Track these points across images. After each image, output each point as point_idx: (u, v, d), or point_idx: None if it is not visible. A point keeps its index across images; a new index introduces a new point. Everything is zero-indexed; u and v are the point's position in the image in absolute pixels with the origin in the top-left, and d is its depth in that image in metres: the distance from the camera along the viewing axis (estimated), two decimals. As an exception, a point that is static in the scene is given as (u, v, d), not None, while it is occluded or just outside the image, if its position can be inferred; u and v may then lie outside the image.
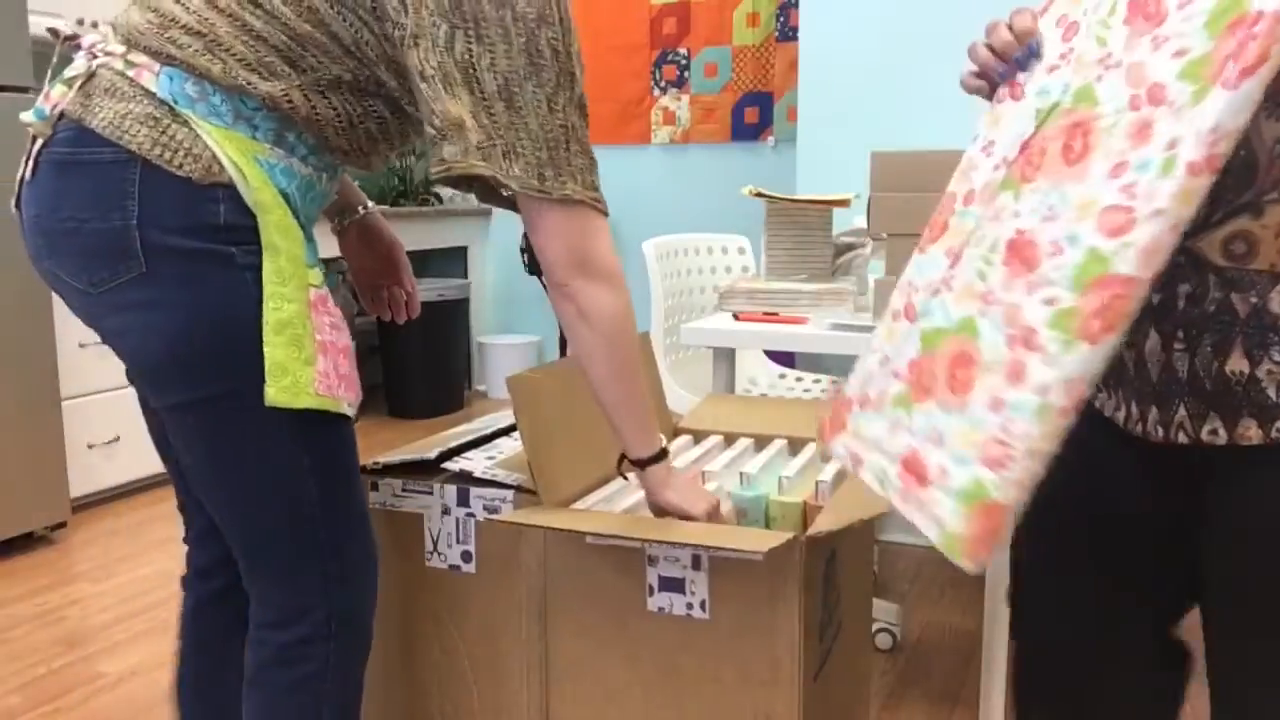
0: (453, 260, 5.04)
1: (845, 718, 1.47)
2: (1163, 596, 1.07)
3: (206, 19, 1.05)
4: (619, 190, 4.75)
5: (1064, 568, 1.11)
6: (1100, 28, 0.91)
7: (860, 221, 2.52)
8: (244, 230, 1.06)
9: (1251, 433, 0.93)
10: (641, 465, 1.22)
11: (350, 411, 1.15)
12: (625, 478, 1.36)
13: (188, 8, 1.06)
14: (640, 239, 4.70)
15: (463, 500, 1.32)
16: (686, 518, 1.22)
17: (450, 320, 4.73)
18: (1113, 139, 0.84)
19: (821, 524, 1.14)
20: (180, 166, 1.03)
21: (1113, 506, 1.08)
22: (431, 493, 1.33)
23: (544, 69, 1.07)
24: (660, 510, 1.24)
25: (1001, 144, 0.98)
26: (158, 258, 1.04)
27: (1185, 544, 1.03)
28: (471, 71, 1.05)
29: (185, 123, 1.04)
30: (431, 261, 5.09)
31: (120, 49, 1.07)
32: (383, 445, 4.17)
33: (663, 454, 1.23)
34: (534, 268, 5.24)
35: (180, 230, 1.04)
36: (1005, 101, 1.01)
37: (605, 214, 1.14)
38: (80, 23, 3.54)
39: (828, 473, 1.38)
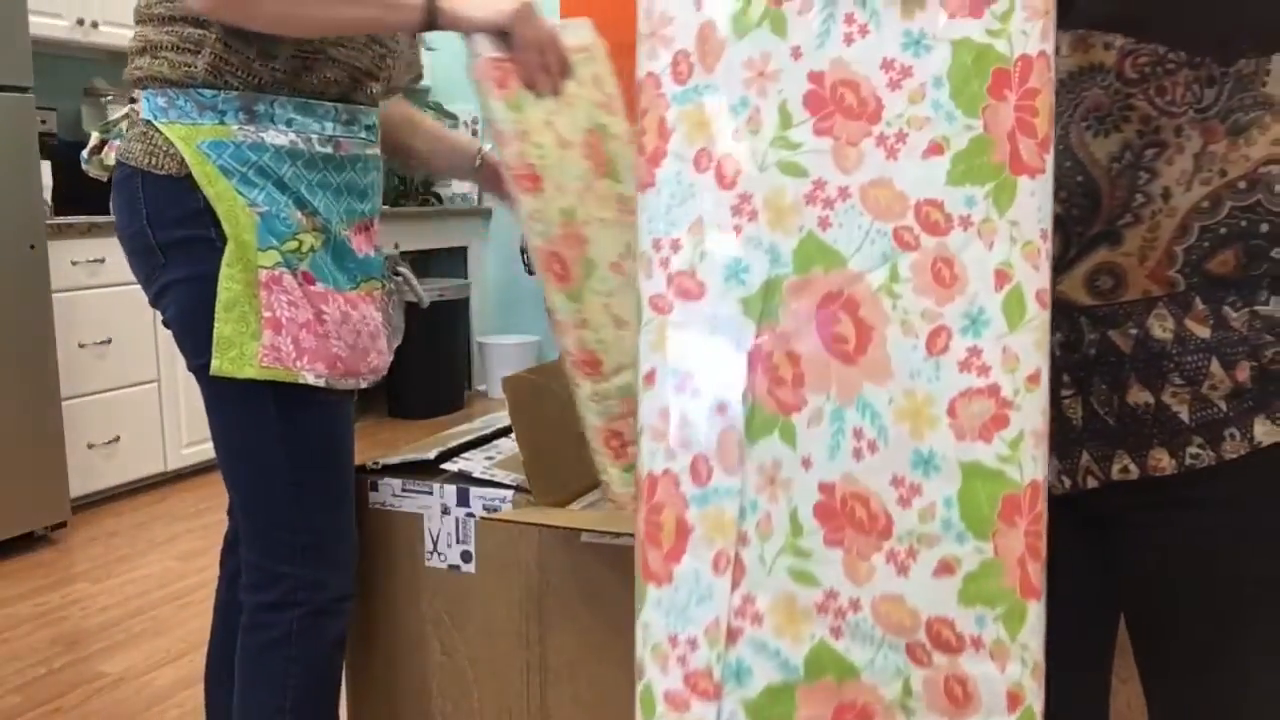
0: (453, 260, 5.04)
1: (844, 717, 1.47)
2: (1097, 629, 1.02)
3: (141, 34, 1.22)
4: (619, 190, 4.75)
5: None
6: (781, 148, 0.62)
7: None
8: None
9: (1164, 463, 0.85)
10: (427, 24, 1.16)
11: (316, 381, 1.21)
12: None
13: (132, 35, 1.24)
14: (640, 239, 4.70)
15: (462, 500, 1.32)
16: (499, 29, 1.16)
17: (450, 320, 4.73)
18: (901, 300, 0.61)
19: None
20: (163, 168, 1.19)
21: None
22: (431, 493, 1.34)
23: None
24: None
25: (705, 385, 0.64)
26: (167, 249, 1.21)
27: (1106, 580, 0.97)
28: None
29: (162, 130, 1.20)
30: (431, 261, 5.09)
31: (133, 94, 1.27)
32: (383, 445, 4.18)
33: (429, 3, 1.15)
34: (534, 268, 5.23)
35: (176, 221, 1.20)
36: (671, 317, 0.65)
37: None
38: (80, 23, 3.54)
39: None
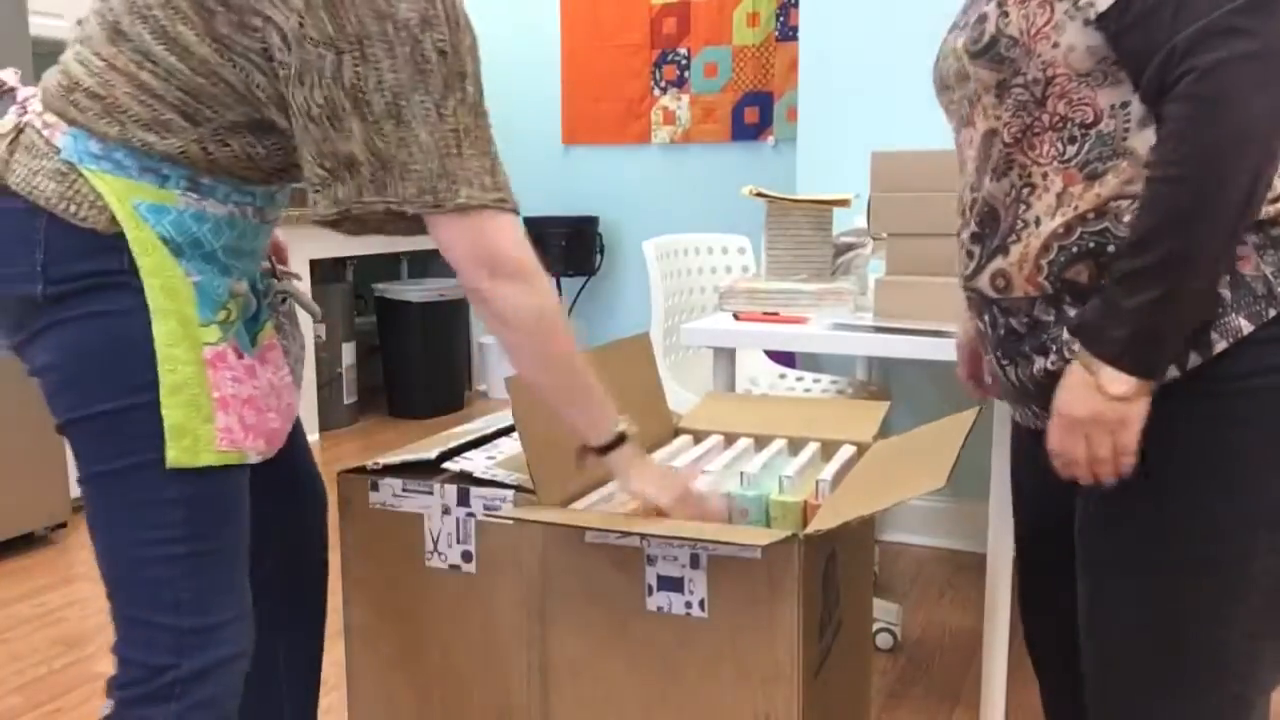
0: (453, 260, 5.04)
1: (845, 717, 1.47)
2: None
3: (106, 80, 1.07)
4: (619, 190, 4.75)
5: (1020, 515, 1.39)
6: None
7: (860, 221, 2.52)
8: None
9: None
10: (601, 452, 1.22)
11: (257, 459, 1.16)
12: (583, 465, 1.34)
13: (90, 69, 1.08)
14: (640, 239, 4.70)
15: (463, 500, 1.32)
16: (658, 509, 1.22)
17: (450, 320, 4.73)
18: None
19: (819, 522, 1.14)
20: (85, 219, 1.06)
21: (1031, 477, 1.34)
22: (431, 493, 1.33)
23: (430, 75, 1.04)
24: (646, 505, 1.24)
25: None
26: (60, 300, 1.07)
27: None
28: (361, 95, 1.03)
29: (88, 178, 1.07)
30: (432, 261, 5.09)
31: (39, 108, 1.11)
32: (383, 445, 4.17)
33: (620, 439, 1.22)
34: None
35: (83, 276, 1.07)
36: None
37: (512, 211, 1.11)
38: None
39: (828, 472, 1.38)
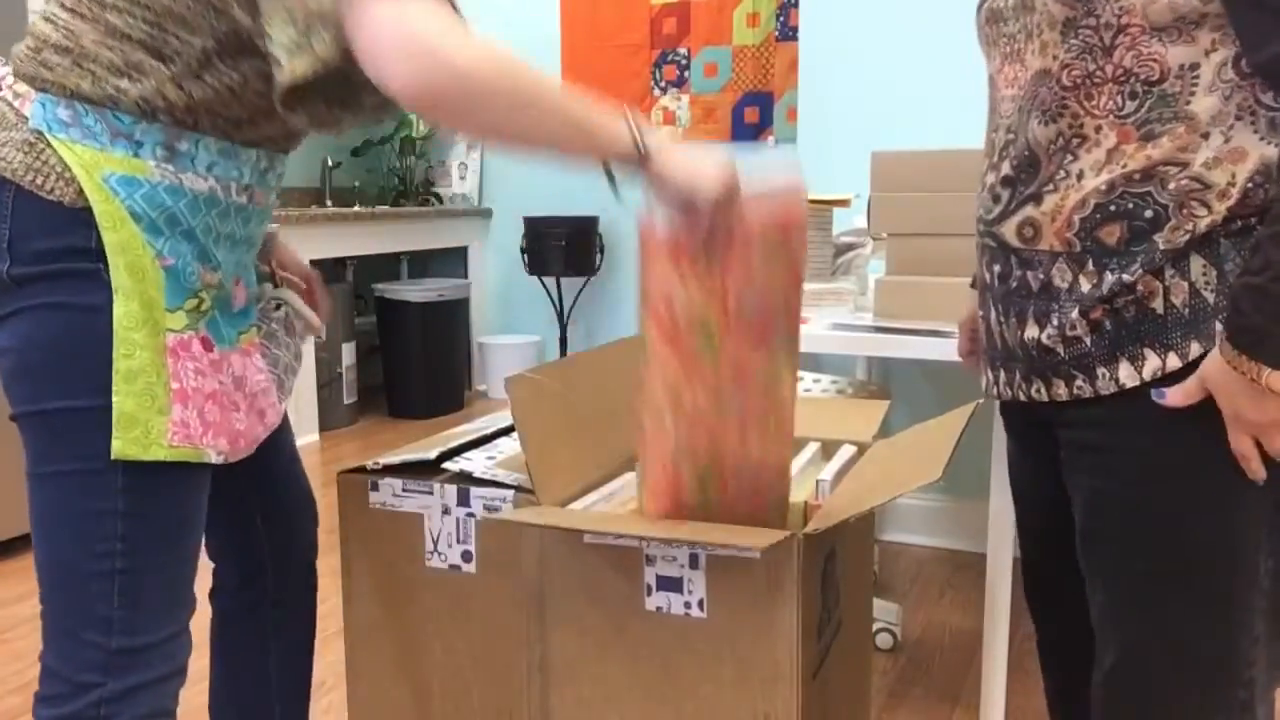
0: (453, 260, 5.04)
1: (845, 717, 1.47)
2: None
3: (72, 30, 1.03)
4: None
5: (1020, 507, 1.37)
6: None
7: (860, 221, 2.53)
8: None
9: (1060, 390, 1.11)
10: (637, 161, 1.08)
11: (218, 459, 1.10)
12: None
13: (56, 24, 1.04)
14: (640, 239, 4.70)
15: (463, 500, 1.32)
16: (697, 201, 1.08)
17: (450, 320, 4.73)
18: None
19: (818, 522, 1.14)
20: (52, 191, 1.01)
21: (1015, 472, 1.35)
22: (431, 493, 1.34)
23: None
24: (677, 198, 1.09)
25: None
26: (24, 281, 1.02)
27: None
28: None
29: (56, 148, 1.02)
30: (431, 261, 5.09)
31: (10, 80, 1.08)
32: (383, 445, 4.18)
33: (637, 136, 1.08)
34: (534, 268, 5.21)
35: (48, 256, 1.02)
36: None
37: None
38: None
39: (828, 472, 1.38)
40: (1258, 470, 1.00)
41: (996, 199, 1.14)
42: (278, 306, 1.30)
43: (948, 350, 1.74)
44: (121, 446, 1.02)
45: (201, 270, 1.08)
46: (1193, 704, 1.08)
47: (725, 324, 1.15)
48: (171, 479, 1.07)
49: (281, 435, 1.36)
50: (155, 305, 1.03)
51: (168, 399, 1.04)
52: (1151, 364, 1.04)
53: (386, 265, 5.12)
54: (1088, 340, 1.07)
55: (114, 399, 1.02)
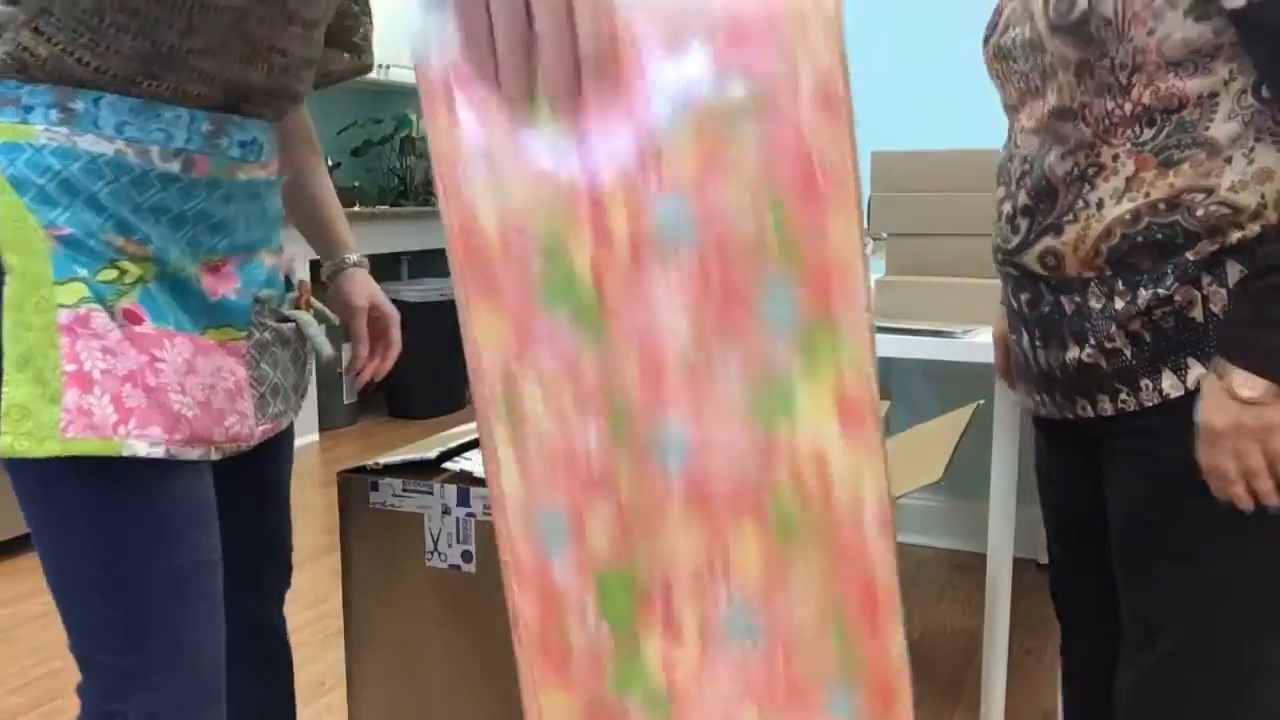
0: (453, 260, 5.04)
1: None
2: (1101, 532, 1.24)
3: None
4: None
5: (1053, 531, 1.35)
6: None
7: (860, 221, 2.52)
8: None
9: (1105, 405, 1.10)
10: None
11: (153, 451, 0.92)
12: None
13: None
14: (640, 239, 4.69)
15: (463, 500, 1.32)
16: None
17: (450, 320, 4.71)
18: None
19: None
20: None
21: (1047, 481, 1.33)
22: (431, 493, 1.34)
23: None
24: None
25: None
26: None
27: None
28: None
29: None
30: (431, 261, 5.09)
31: None
32: (383, 445, 4.18)
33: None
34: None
35: None
36: None
37: None
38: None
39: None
40: None
41: (1015, 229, 1.13)
42: (282, 320, 1.14)
43: (947, 350, 1.74)
44: (10, 442, 0.88)
45: (121, 240, 0.94)
46: (1223, 708, 1.07)
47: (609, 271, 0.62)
48: (140, 482, 0.93)
49: (277, 449, 1.21)
50: (41, 280, 0.90)
51: (59, 385, 0.89)
52: (1195, 372, 1.02)
53: (387, 265, 5.12)
54: (1128, 352, 1.06)
55: (4, 390, 0.89)
